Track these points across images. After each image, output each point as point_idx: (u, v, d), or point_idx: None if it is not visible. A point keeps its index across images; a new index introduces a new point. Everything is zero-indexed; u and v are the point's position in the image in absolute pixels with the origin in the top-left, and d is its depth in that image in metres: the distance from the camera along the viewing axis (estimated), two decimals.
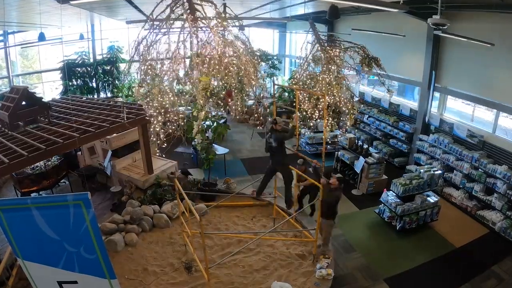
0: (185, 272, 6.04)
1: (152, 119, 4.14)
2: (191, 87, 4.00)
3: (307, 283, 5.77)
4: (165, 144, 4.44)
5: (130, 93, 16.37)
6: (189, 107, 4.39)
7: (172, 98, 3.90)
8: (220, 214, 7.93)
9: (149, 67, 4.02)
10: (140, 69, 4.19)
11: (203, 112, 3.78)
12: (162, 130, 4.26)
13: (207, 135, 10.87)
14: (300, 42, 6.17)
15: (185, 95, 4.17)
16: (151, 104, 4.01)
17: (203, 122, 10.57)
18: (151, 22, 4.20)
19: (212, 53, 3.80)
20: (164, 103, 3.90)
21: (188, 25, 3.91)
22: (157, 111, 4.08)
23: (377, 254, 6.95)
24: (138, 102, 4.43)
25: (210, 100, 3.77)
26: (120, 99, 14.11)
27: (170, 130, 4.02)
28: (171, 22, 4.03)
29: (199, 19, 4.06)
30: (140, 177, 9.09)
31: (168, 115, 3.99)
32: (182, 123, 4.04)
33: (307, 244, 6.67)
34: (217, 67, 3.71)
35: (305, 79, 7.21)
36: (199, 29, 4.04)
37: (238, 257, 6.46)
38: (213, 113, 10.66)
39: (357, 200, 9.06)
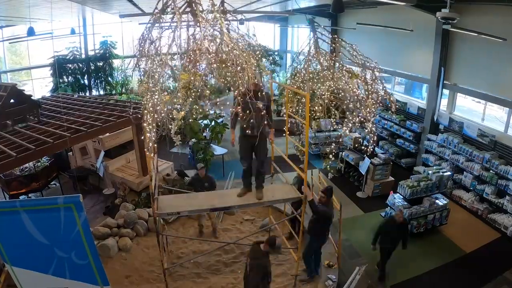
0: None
1: (146, 117, 4.13)
2: (175, 85, 4.00)
3: None
4: (154, 145, 4.44)
5: (123, 90, 16.39)
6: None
7: (167, 96, 3.90)
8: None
9: (156, 63, 4.03)
10: (138, 66, 4.20)
11: (183, 112, 3.77)
12: (154, 130, 4.25)
13: (204, 134, 10.89)
14: (302, 37, 6.13)
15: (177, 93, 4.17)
16: (150, 102, 4.01)
17: (201, 121, 10.59)
18: (154, 17, 4.20)
19: (198, 48, 3.79)
20: (160, 101, 3.89)
21: (178, 19, 3.91)
22: (151, 109, 4.07)
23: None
24: (142, 99, 4.42)
25: (190, 99, 3.75)
26: (117, 97, 14.12)
27: (164, 133, 4.00)
28: (171, 16, 4.04)
29: (194, 12, 4.06)
30: (134, 178, 9.10)
31: (160, 114, 3.96)
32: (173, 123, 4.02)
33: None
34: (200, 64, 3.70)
35: (308, 77, 7.18)
36: (193, 23, 4.03)
37: (236, 262, 6.47)
38: (211, 112, 10.67)
39: (363, 203, 9.06)
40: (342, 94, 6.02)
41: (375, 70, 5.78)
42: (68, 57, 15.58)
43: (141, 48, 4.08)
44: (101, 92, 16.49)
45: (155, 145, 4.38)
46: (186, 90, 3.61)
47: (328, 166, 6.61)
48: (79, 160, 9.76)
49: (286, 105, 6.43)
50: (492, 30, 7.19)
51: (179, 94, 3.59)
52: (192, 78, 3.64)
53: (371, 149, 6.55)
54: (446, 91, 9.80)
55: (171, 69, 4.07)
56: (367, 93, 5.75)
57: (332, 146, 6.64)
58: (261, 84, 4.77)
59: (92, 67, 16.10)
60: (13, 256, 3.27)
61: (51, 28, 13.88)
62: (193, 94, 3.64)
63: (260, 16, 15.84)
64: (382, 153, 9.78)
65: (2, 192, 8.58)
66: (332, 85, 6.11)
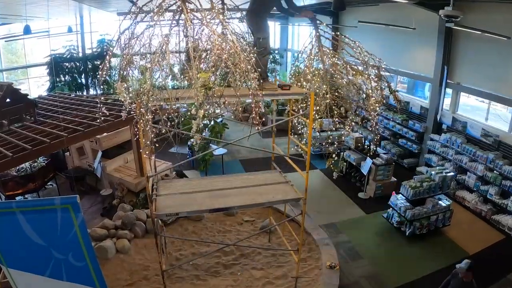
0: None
1: (139, 117, 4.11)
2: (187, 84, 3.98)
3: None
4: (157, 145, 4.43)
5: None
6: (184, 105, 4.36)
7: (166, 95, 3.89)
8: (216, 218, 7.95)
9: (130, 60, 4.05)
10: (121, 63, 4.21)
11: (203, 110, 3.76)
12: (153, 130, 4.23)
13: (204, 134, 10.88)
14: (303, 35, 6.13)
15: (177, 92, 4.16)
16: (139, 101, 4.01)
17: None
18: (139, 12, 4.21)
19: (209, 47, 3.79)
20: (156, 100, 3.88)
21: (176, 16, 3.90)
22: (146, 108, 4.07)
23: (385, 261, 6.95)
24: (120, 98, 4.40)
25: (210, 98, 3.74)
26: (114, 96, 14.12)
27: (164, 130, 3.98)
28: (161, 13, 4.04)
29: (191, 11, 4.05)
30: (132, 179, 9.09)
31: (159, 113, 3.95)
32: (177, 121, 4.01)
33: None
34: (217, 63, 3.70)
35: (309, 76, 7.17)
36: (192, 21, 4.03)
37: (236, 264, 6.47)
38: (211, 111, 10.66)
39: (364, 204, 9.06)
40: (345, 93, 6.01)
41: (380, 67, 5.77)
42: (65, 56, 15.54)
43: (118, 43, 4.09)
44: (99, 92, 16.48)
45: (156, 145, 4.37)
46: (205, 88, 3.59)
47: (332, 165, 6.62)
48: (76, 161, 9.76)
49: (290, 103, 6.44)
50: (496, 28, 7.19)
51: (198, 93, 3.56)
52: (212, 76, 3.62)
53: (374, 149, 6.52)
54: (449, 90, 9.80)
55: (170, 69, 4.07)
56: (371, 90, 5.73)
57: (335, 145, 6.61)
58: None
59: (90, 66, 16.08)
60: (9, 257, 3.27)
61: (47, 26, 13.88)
62: (210, 92, 3.62)
63: None
64: (384, 153, 9.78)
65: None
66: (335, 84, 6.11)
